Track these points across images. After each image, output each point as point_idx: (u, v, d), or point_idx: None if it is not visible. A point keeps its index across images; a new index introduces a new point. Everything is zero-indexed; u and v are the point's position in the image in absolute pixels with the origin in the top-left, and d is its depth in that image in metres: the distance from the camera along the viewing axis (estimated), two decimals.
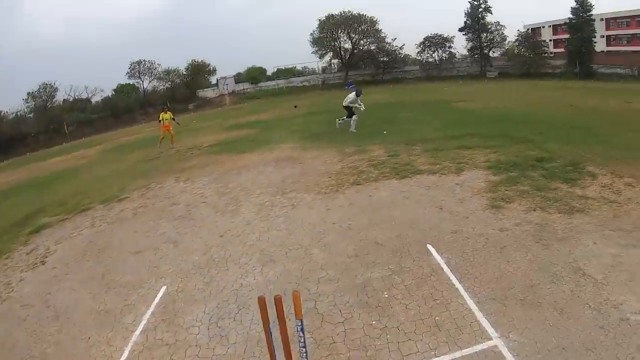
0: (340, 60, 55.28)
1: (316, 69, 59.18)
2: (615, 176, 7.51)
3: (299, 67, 60.89)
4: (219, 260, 6.29)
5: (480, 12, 48.06)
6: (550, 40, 48.53)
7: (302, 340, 2.97)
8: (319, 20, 52.33)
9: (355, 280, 5.20)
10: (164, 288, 5.69)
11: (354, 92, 14.57)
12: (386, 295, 4.76)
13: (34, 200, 12.17)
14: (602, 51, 43.11)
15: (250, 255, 6.30)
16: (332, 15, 51.87)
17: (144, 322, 4.97)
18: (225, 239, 7.00)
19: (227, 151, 14.51)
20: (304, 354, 3.01)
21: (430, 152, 10.65)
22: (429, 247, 5.75)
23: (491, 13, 47.93)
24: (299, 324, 2.93)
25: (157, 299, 5.44)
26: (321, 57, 54.76)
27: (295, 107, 27.71)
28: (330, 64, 58.01)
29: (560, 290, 4.43)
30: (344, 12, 51.66)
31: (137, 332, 4.79)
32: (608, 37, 44.48)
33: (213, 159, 13.54)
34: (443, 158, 9.91)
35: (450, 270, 5.08)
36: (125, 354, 4.42)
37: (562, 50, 45.11)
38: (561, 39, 46.23)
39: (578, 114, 14.89)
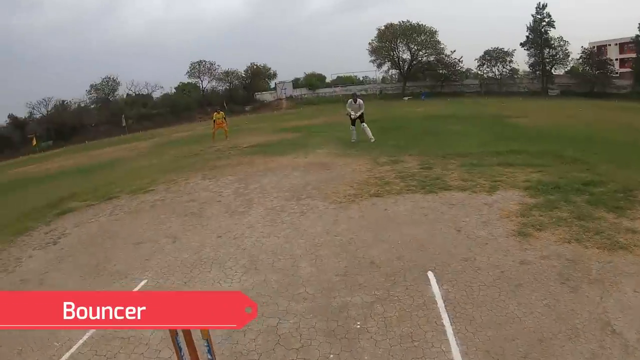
0: (398, 71, 54.18)
1: (375, 79, 58.55)
2: None
3: (359, 76, 60.59)
4: (206, 261, 6.06)
5: (544, 26, 45.09)
6: (617, 59, 44.24)
7: None
8: (378, 29, 51.80)
9: (332, 303, 4.60)
10: (144, 281, 5.61)
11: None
12: (358, 326, 4.10)
13: (73, 185, 13.00)
14: None
15: (237, 259, 5.97)
16: (392, 24, 51.06)
17: None
18: (222, 240, 6.77)
19: (264, 153, 14.48)
20: None
21: (467, 167, 9.70)
22: (430, 274, 4.97)
23: (554, 27, 44.87)
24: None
25: (134, 290, 5.32)
26: (379, 66, 54.17)
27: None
28: (390, 75, 57.17)
29: (576, 350, 3.47)
30: (403, 22, 50.70)
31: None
32: None
33: (247, 160, 13.51)
34: (478, 174, 8.90)
35: (445, 305, 4.29)
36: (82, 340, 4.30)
37: (629, 69, 41.54)
38: (628, 58, 42.34)
39: None
